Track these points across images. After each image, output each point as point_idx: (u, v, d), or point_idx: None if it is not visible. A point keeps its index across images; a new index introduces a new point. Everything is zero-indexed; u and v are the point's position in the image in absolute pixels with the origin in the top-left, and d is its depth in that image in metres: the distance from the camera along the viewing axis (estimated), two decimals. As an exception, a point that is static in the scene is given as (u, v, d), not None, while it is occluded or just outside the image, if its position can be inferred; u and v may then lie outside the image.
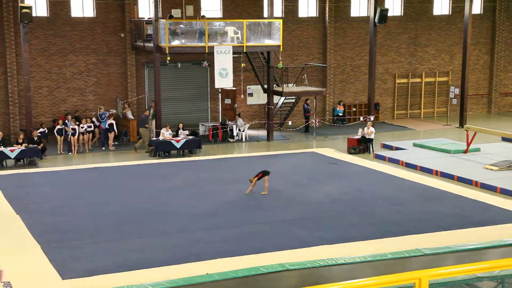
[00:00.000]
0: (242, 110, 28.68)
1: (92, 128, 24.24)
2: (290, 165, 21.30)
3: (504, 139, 24.99)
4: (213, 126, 26.38)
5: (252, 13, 28.35)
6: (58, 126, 23.49)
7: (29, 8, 22.43)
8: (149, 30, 25.27)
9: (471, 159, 21.71)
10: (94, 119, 24.96)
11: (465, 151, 22.55)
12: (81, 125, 23.70)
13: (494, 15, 33.10)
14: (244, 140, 26.37)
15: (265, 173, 17.29)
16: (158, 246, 13.34)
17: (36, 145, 22.10)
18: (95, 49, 26.53)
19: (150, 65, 26.72)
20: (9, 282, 11.19)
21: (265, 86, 26.75)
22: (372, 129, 23.71)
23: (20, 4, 22.41)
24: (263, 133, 27.35)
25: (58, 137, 23.43)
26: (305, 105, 28.62)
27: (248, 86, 28.91)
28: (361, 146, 23.62)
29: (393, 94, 31.91)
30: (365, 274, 8.34)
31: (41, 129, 23.45)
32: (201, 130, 27.04)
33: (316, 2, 29.94)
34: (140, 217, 15.45)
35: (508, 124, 28.79)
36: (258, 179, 17.29)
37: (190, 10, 27.36)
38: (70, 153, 23.45)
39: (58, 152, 23.32)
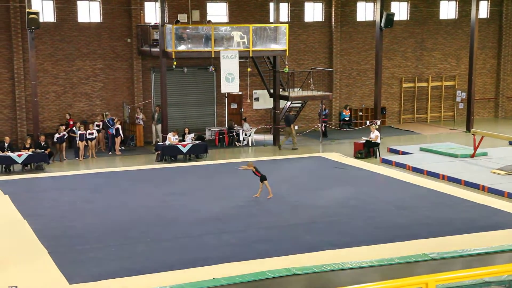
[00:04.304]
0: (248, 114, 28.70)
1: (94, 135, 23.98)
2: (296, 169, 21.29)
3: None
4: (219, 130, 26.42)
5: (258, 17, 28.40)
6: (57, 135, 23.34)
7: (36, 13, 22.51)
8: (156, 35, 25.34)
9: (478, 163, 21.64)
10: (99, 123, 24.97)
11: (472, 156, 22.49)
12: (88, 131, 23.70)
13: (501, 19, 33.04)
14: (250, 144, 26.38)
15: (263, 178, 17.30)
16: (165, 251, 13.35)
17: (43, 150, 22.15)
18: (102, 54, 26.62)
19: (157, 70, 26.80)
20: (16, 286, 11.21)
21: (271, 90, 26.76)
22: (376, 133, 23.67)
23: (27, 10, 22.51)
24: (269, 137, 27.36)
25: (58, 145, 23.37)
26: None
27: (254, 91, 28.94)
28: (365, 150, 23.53)
29: (399, 99, 31.88)
30: (372, 279, 8.34)
31: (57, 135, 23.31)
32: (208, 134, 27.09)
33: (322, 6, 29.97)
34: (146, 221, 15.47)
35: (515, 128, 28.70)
36: (253, 172, 17.30)
37: (196, 15, 27.44)
38: (77, 158, 23.48)
39: (60, 160, 23.28)
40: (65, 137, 23.55)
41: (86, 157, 23.59)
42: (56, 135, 23.28)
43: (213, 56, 24.43)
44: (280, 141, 26.07)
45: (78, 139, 23.44)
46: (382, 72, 28.85)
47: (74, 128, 23.82)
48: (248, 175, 19.44)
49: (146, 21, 27.11)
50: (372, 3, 30.39)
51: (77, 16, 26.14)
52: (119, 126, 24.55)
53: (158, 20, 24.68)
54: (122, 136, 24.82)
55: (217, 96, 28.35)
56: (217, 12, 28.18)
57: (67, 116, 25.40)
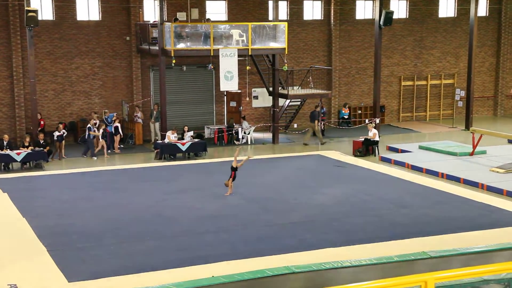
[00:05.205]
0: (248, 113, 28.70)
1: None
2: (295, 167, 21.30)
3: (511, 141, 24.94)
4: (218, 129, 26.42)
5: (257, 16, 28.39)
6: (57, 133, 23.29)
7: (35, 11, 22.49)
8: (155, 33, 25.33)
9: (477, 161, 21.65)
10: (96, 121, 24.92)
11: (471, 154, 22.50)
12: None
13: (500, 18, 33.04)
14: (249, 142, 26.39)
15: (233, 169, 17.55)
16: (164, 249, 13.35)
17: (42, 148, 22.14)
18: (101, 52, 26.60)
19: (156, 68, 26.78)
20: (15, 285, 11.22)
21: (271, 89, 26.76)
22: (374, 131, 23.67)
23: (26, 8, 22.48)
24: (268, 135, 27.36)
25: (57, 143, 23.30)
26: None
27: (253, 89, 28.94)
28: (363, 148, 23.52)
29: (398, 97, 31.88)
30: (371, 277, 8.34)
31: (57, 133, 23.30)
32: (207, 133, 27.08)
33: (321, 4, 29.95)
34: (146, 220, 15.47)
35: (514, 127, 28.70)
36: (233, 180, 17.55)
37: (195, 13, 27.41)
38: (95, 157, 23.28)
39: (59, 158, 23.25)
40: (64, 135, 23.53)
41: (86, 156, 23.59)
42: (56, 133, 23.27)
43: (212, 54, 24.43)
44: (304, 138, 26.11)
45: (100, 137, 23.36)
46: (381, 70, 28.86)
47: (90, 125, 23.70)
48: (247, 174, 19.46)
49: (145, 19, 27.09)
50: (371, 1, 30.38)
51: (76, 14, 26.11)
52: (118, 124, 24.54)
53: (157, 18, 24.67)
54: (122, 134, 24.81)
55: (216, 94, 28.34)
56: (216, 10, 28.16)
57: (38, 116, 25.15)
